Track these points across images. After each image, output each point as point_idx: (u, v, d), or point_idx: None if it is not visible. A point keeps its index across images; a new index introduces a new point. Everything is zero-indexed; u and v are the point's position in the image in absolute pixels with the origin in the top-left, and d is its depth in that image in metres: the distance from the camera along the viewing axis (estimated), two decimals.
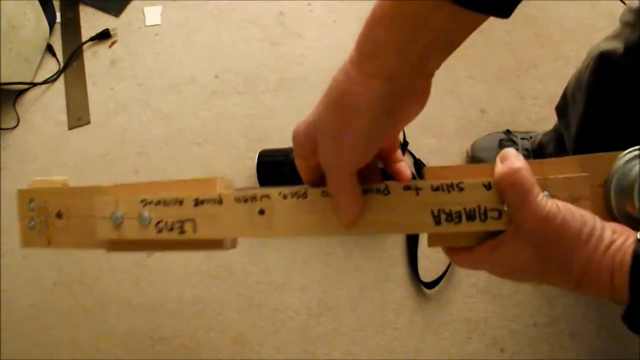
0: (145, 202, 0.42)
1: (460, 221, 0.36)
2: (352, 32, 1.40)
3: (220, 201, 0.40)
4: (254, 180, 1.04)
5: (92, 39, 1.28)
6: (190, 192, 0.41)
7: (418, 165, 1.06)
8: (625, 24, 0.72)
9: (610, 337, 0.91)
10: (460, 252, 0.38)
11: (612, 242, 0.32)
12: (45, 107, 1.21)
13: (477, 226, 0.36)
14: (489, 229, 0.36)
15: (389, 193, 0.38)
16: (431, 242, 0.39)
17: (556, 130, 0.93)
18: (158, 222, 0.41)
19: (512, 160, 0.35)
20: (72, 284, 1.00)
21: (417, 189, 0.37)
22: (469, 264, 0.38)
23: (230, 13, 1.31)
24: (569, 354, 0.90)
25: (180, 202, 0.41)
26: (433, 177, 0.38)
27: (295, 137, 0.39)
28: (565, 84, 1.11)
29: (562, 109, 0.90)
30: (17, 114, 1.20)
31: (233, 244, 0.43)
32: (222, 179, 0.42)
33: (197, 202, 0.41)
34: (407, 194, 0.37)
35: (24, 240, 0.52)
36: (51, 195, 0.48)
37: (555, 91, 1.15)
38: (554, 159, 0.37)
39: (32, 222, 0.50)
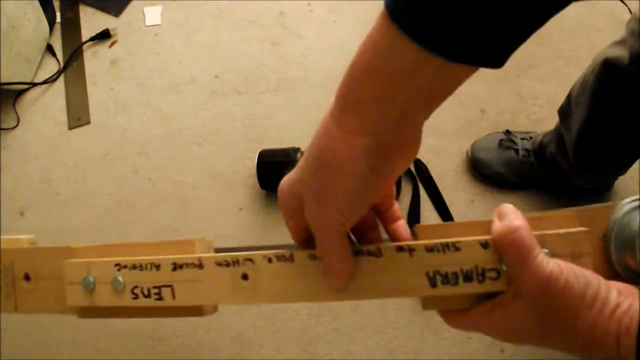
0: (119, 267, 0.39)
1: (457, 283, 0.34)
2: (352, 32, 1.41)
3: (200, 265, 0.37)
4: (254, 180, 1.04)
5: (92, 39, 1.28)
6: (167, 254, 0.39)
7: (418, 165, 1.06)
8: (631, 33, 0.72)
9: None
10: (455, 314, 0.36)
11: (617, 305, 0.31)
12: (45, 107, 1.21)
13: (474, 287, 0.34)
14: (487, 290, 0.34)
15: (381, 255, 0.35)
16: (426, 305, 0.37)
17: (557, 131, 0.93)
18: (134, 288, 0.38)
19: (511, 218, 0.33)
20: None
21: (411, 250, 0.35)
22: (465, 326, 0.36)
23: (230, 13, 1.31)
24: (569, 353, 0.90)
25: (157, 267, 0.38)
26: (426, 235, 0.36)
27: (281, 194, 0.35)
28: (565, 84, 1.11)
29: (565, 111, 0.90)
30: (17, 114, 1.20)
31: (214, 309, 0.41)
32: (201, 241, 0.40)
33: (176, 267, 0.38)
34: (401, 255, 0.35)
35: None
36: (17, 256, 0.44)
37: (555, 91, 1.15)
38: (551, 213, 0.36)
39: None
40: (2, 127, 1.18)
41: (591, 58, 0.83)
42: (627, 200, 0.35)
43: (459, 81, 0.30)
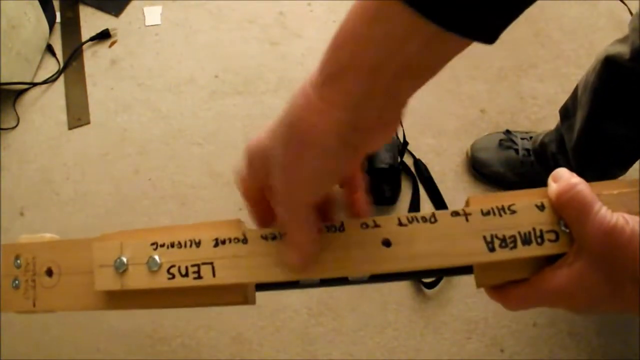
0: (156, 245, 0.36)
1: (515, 246, 0.33)
2: None
3: (245, 240, 0.36)
4: None
5: (92, 39, 1.28)
6: (209, 232, 0.36)
7: (418, 165, 1.06)
8: (633, 30, 0.72)
9: (610, 337, 0.90)
10: (515, 289, 0.34)
11: None
12: (45, 107, 1.21)
13: (534, 250, 0.33)
14: (547, 253, 0.33)
15: (436, 221, 0.34)
16: (480, 279, 0.35)
17: (558, 131, 0.93)
18: (170, 267, 0.36)
19: (568, 176, 0.32)
20: None
21: (467, 215, 0.34)
22: (528, 300, 0.34)
23: (230, 13, 1.31)
24: (569, 354, 0.90)
25: (198, 243, 0.36)
26: (479, 203, 0.35)
27: (248, 152, 0.33)
28: (565, 84, 1.11)
29: (567, 111, 0.89)
30: (17, 114, 1.20)
31: (253, 298, 0.38)
32: (242, 222, 0.37)
33: (218, 242, 0.36)
34: (457, 220, 0.34)
35: (3, 303, 0.44)
36: (40, 250, 0.41)
37: (555, 91, 1.15)
38: (600, 182, 0.35)
39: (17, 282, 0.42)
40: (2, 127, 1.18)
41: (591, 58, 0.83)
42: None
43: (447, 56, 0.28)
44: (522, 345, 0.91)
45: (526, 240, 0.33)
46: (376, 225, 0.35)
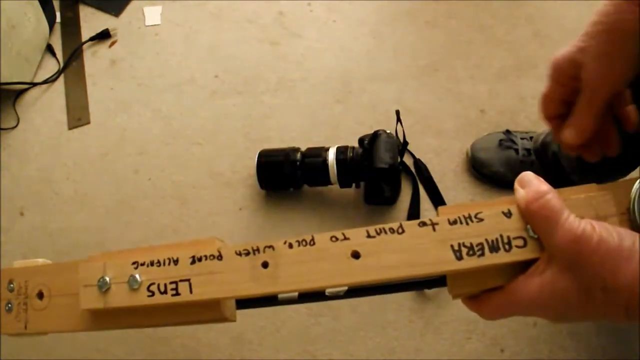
0: (137, 264, 0.38)
1: (483, 254, 0.33)
2: (352, 32, 1.40)
3: (219, 256, 0.37)
4: (254, 180, 1.04)
5: (92, 39, 1.28)
6: (187, 251, 0.38)
7: (418, 165, 1.06)
8: None
9: (610, 337, 0.90)
10: (489, 298, 0.35)
11: None
12: (45, 107, 1.21)
13: (501, 257, 0.33)
14: (516, 259, 0.33)
15: (403, 232, 0.35)
16: (453, 288, 0.36)
17: None
18: (150, 285, 0.37)
19: (537, 183, 0.33)
20: None
21: (434, 225, 0.35)
22: (502, 309, 0.35)
23: (230, 13, 1.31)
24: (569, 353, 0.90)
25: (176, 261, 0.38)
26: (447, 213, 0.36)
27: (556, 63, 0.41)
28: None
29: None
30: (17, 114, 1.20)
31: (232, 314, 0.39)
32: (220, 240, 0.39)
33: (194, 260, 0.37)
34: (424, 230, 0.35)
35: None
36: (33, 274, 0.43)
37: None
38: (570, 187, 0.35)
39: (9, 305, 0.43)
40: (2, 127, 1.18)
41: None
42: None
43: None
44: (522, 345, 0.90)
45: (494, 248, 0.33)
46: (345, 238, 0.36)
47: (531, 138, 1.02)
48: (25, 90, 1.22)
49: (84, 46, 1.28)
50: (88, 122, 1.18)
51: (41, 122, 1.19)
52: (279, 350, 0.92)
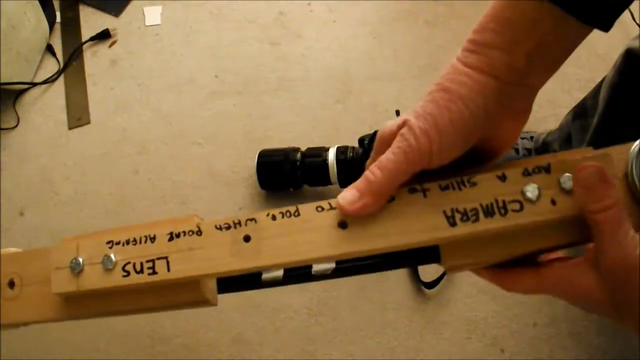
0: (111, 244, 0.36)
1: (477, 219, 0.32)
2: (352, 32, 1.40)
3: (199, 232, 0.35)
4: (254, 180, 1.04)
5: (92, 39, 1.28)
6: (165, 228, 0.36)
7: None
8: None
9: (610, 337, 0.90)
10: (519, 274, 0.34)
11: None
12: (45, 107, 1.21)
13: (497, 222, 0.32)
14: (511, 224, 0.32)
15: (393, 199, 0.33)
16: (447, 258, 0.34)
17: (563, 129, 0.92)
18: (125, 265, 0.35)
19: (603, 190, 0.31)
20: None
21: (424, 190, 0.33)
22: (531, 288, 0.34)
23: (230, 13, 1.31)
24: (569, 353, 0.90)
25: (153, 238, 0.35)
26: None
27: (380, 133, 0.36)
28: (565, 84, 1.11)
29: (586, 109, 0.85)
30: (17, 114, 1.20)
31: (213, 296, 0.37)
32: (199, 217, 0.37)
33: (172, 236, 0.35)
34: (414, 197, 0.33)
35: None
36: (3, 263, 0.41)
37: (555, 91, 1.15)
38: (567, 151, 0.35)
39: None
40: (2, 127, 1.18)
41: (591, 58, 0.82)
42: None
43: (572, 42, 0.33)
44: (522, 345, 0.90)
45: (488, 212, 0.32)
46: (332, 208, 0.34)
47: (532, 138, 1.01)
48: (25, 90, 1.22)
49: (84, 46, 1.28)
50: (88, 122, 1.18)
51: (41, 122, 1.19)
52: (279, 350, 0.92)
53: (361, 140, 0.98)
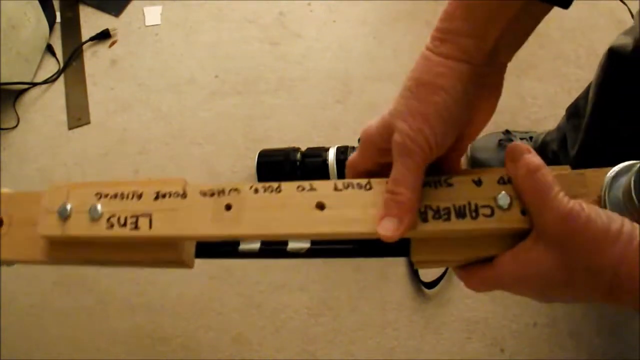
0: (100, 195, 0.37)
1: (449, 218, 0.33)
2: (352, 32, 1.40)
3: (184, 194, 0.36)
4: (254, 180, 1.04)
5: (92, 39, 1.28)
6: (153, 187, 0.37)
7: None
8: (638, 21, 0.70)
9: (610, 337, 0.90)
10: (476, 270, 0.35)
11: None
12: (45, 107, 1.21)
13: (467, 224, 0.33)
14: (481, 227, 0.33)
15: (370, 188, 0.35)
16: (416, 253, 0.35)
17: (560, 129, 0.92)
18: (110, 217, 0.37)
19: (529, 157, 0.33)
20: (72, 284, 1.00)
21: None
22: (486, 282, 0.34)
23: (230, 13, 1.31)
24: (569, 354, 0.90)
25: (140, 196, 0.37)
26: None
27: (365, 132, 0.36)
28: (564, 84, 1.11)
29: (579, 109, 0.86)
30: (17, 114, 1.20)
31: (190, 259, 0.38)
32: (187, 182, 0.38)
33: (158, 196, 0.37)
34: None
35: None
36: None
37: (555, 91, 1.15)
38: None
39: None
40: (2, 127, 1.18)
41: (591, 58, 0.82)
42: (619, 165, 0.35)
43: (537, 19, 0.35)
44: (522, 345, 0.91)
45: (460, 214, 0.33)
46: (312, 189, 0.35)
47: (531, 138, 1.01)
48: (25, 90, 1.22)
49: (84, 46, 1.28)
50: (88, 122, 1.18)
51: (41, 122, 1.19)
52: (279, 350, 0.92)
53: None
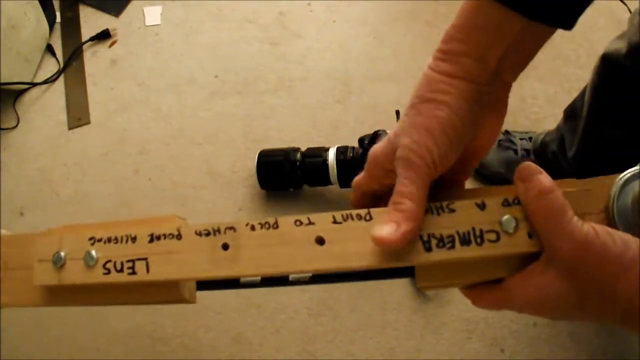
0: (93, 240, 0.37)
1: (453, 246, 0.32)
2: (352, 32, 1.40)
3: (179, 236, 0.35)
4: (254, 180, 1.04)
5: (92, 39, 1.28)
6: (146, 228, 0.36)
7: None
8: (631, 26, 0.71)
9: (610, 337, 0.91)
10: (485, 292, 0.34)
11: None
12: (45, 107, 1.21)
13: (472, 251, 0.32)
14: (487, 254, 0.32)
15: (370, 219, 0.33)
16: (421, 279, 0.34)
17: (559, 130, 0.93)
18: (106, 263, 0.36)
19: (540, 179, 0.31)
20: None
21: None
22: (496, 304, 0.34)
23: (230, 13, 1.31)
24: (569, 353, 0.90)
25: (134, 239, 0.36)
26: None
27: (372, 153, 0.36)
28: (564, 84, 1.11)
29: (576, 111, 0.87)
30: (17, 114, 1.20)
31: (192, 295, 0.38)
32: (181, 218, 0.38)
33: (153, 238, 0.36)
34: None
35: None
36: None
37: (554, 91, 1.15)
38: (555, 181, 0.34)
39: None
40: (2, 127, 1.18)
41: (591, 58, 0.83)
42: (627, 171, 0.34)
43: (540, 41, 0.34)
44: (522, 345, 0.91)
45: (465, 240, 0.32)
46: (310, 223, 0.34)
47: (530, 138, 1.01)
48: (25, 90, 1.22)
49: (84, 46, 1.28)
50: (88, 122, 1.18)
51: (41, 122, 1.19)
52: (279, 350, 0.92)
53: (361, 140, 0.98)
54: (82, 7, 1.35)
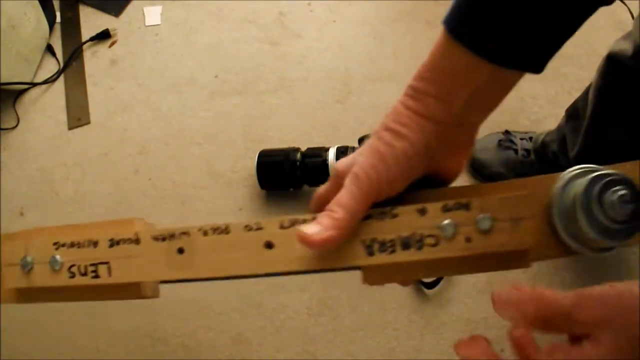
0: (57, 245, 0.39)
1: (394, 251, 0.33)
2: (352, 32, 1.40)
3: (137, 240, 0.38)
4: (254, 180, 1.04)
5: (92, 39, 1.28)
6: (107, 233, 0.38)
7: None
8: (636, 27, 0.71)
9: None
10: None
11: None
12: (45, 107, 1.21)
13: (412, 255, 0.33)
14: (426, 258, 0.33)
15: None
16: (367, 278, 0.35)
17: (560, 130, 0.93)
18: (71, 266, 0.38)
19: (518, 323, 0.33)
20: None
21: None
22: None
23: (230, 13, 1.31)
24: None
25: (95, 244, 0.38)
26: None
27: (335, 166, 0.37)
28: (564, 84, 1.11)
29: (578, 111, 0.86)
30: (17, 114, 1.20)
31: (154, 292, 0.40)
32: (139, 220, 0.40)
33: (113, 243, 0.38)
34: None
35: None
36: None
37: (555, 91, 1.15)
38: (494, 183, 0.36)
39: None
40: (2, 127, 1.18)
41: (591, 58, 0.83)
42: (569, 169, 0.34)
43: (507, 85, 0.36)
44: None
45: (405, 245, 0.33)
46: (259, 228, 0.36)
47: (531, 138, 1.01)
48: (25, 90, 1.22)
49: (84, 46, 1.28)
50: (88, 122, 1.18)
51: (41, 122, 1.19)
52: (279, 350, 0.92)
53: (361, 140, 0.98)
54: (82, 7, 1.35)
